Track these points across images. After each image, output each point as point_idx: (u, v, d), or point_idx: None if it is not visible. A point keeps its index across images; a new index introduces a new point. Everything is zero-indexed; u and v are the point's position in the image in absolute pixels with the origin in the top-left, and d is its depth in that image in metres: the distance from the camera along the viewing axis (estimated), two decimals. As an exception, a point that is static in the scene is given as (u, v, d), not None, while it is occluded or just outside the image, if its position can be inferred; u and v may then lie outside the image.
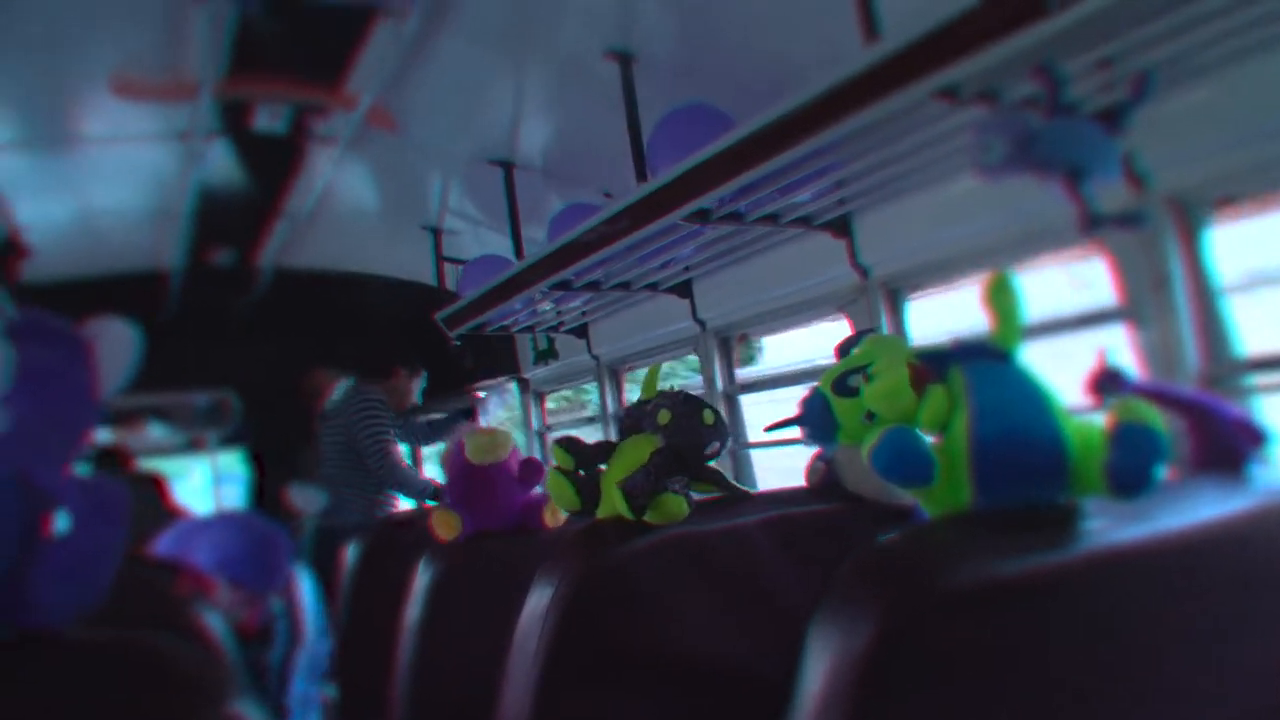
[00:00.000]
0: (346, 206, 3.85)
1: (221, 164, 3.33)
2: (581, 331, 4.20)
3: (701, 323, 3.35)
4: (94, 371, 0.99)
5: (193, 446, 5.24)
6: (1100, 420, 1.15)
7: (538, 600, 1.60)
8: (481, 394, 5.28)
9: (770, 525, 1.71)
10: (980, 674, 0.91)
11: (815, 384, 1.57)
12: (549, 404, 5.16)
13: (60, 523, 0.88)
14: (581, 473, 1.79)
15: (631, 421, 1.76)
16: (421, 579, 2.34)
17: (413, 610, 2.34)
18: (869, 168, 2.13)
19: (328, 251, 4.50)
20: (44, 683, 0.83)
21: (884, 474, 1.23)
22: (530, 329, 4.14)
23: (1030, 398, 1.18)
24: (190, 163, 3.17)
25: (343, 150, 3.18)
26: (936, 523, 1.20)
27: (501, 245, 3.80)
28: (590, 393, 4.53)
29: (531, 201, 3.48)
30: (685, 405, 1.67)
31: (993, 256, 2.24)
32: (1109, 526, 1.07)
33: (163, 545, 2.33)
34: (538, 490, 2.41)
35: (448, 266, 4.35)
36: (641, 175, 2.55)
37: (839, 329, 2.79)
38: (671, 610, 1.62)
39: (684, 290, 3.35)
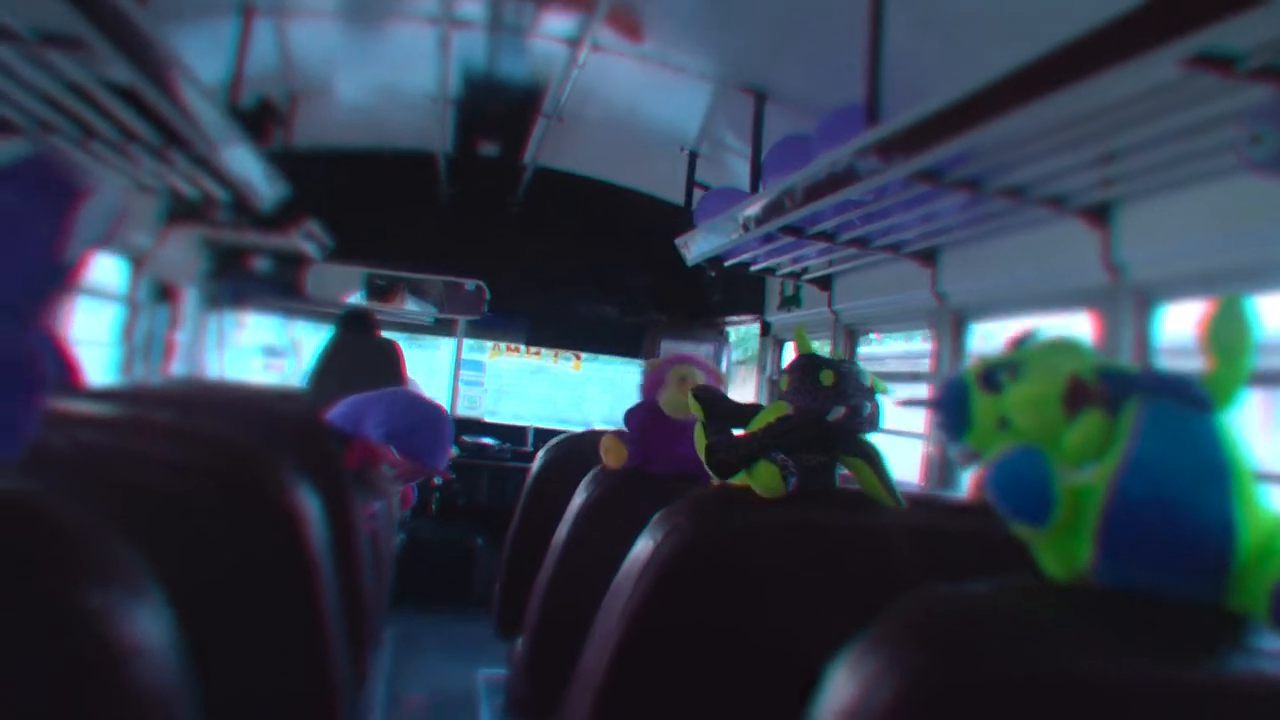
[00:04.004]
0: (606, 114, 3.84)
1: (487, 56, 3.39)
2: (825, 283, 3.98)
3: (942, 296, 3.06)
4: (69, 226, 0.90)
5: (441, 327, 5.46)
6: None
7: (638, 554, 1.52)
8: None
9: (909, 534, 1.50)
10: None
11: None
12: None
13: None
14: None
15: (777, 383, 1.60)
16: (576, 499, 2.33)
17: (563, 527, 2.33)
18: (1135, 146, 1.78)
19: (588, 157, 4.55)
20: None
21: (994, 497, 0.99)
22: (771, 271, 3.97)
23: (1211, 465, 0.90)
24: (457, 51, 3.24)
25: (601, 58, 3.13)
26: (1026, 583, 0.96)
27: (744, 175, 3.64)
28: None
29: (780, 133, 3.30)
30: (804, 367, 1.47)
31: (1266, 275, 1.84)
32: (1262, 658, 0.83)
33: (335, 415, 2.41)
34: None
35: (697, 192, 4.24)
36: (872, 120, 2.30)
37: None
38: (773, 599, 1.47)
39: (926, 259, 3.06)
